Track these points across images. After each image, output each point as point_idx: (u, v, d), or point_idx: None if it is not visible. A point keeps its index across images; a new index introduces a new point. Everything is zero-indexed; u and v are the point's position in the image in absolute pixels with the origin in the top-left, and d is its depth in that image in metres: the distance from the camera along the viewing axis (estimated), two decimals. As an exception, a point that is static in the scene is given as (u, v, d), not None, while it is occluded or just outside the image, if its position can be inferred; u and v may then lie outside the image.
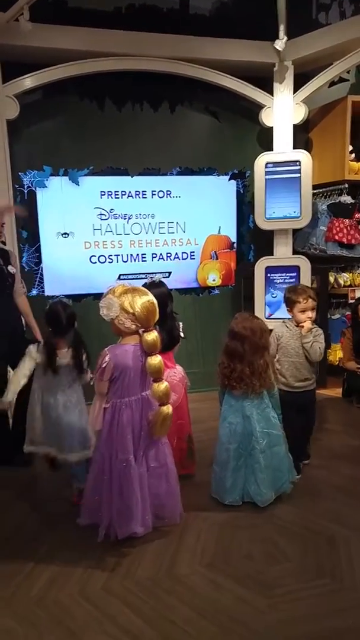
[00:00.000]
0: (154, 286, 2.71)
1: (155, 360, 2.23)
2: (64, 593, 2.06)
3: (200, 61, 4.18)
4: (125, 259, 4.48)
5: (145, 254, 4.53)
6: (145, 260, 4.54)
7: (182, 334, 2.85)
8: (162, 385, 2.25)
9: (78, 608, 1.98)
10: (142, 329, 2.25)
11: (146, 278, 4.36)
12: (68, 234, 4.26)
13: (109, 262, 4.44)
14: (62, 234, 4.24)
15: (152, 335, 2.23)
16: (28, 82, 3.90)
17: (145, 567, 2.20)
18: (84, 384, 2.67)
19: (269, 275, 4.50)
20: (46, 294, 4.24)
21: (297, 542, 2.36)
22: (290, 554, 2.27)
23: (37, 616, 1.94)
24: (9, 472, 3.16)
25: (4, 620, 1.92)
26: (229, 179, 4.69)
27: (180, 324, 2.86)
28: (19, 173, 4.08)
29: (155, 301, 2.25)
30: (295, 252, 4.62)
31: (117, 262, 4.46)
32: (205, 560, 2.23)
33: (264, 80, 4.40)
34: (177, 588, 2.06)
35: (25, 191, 4.12)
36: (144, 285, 2.52)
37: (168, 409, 2.27)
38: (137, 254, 4.51)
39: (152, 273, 4.46)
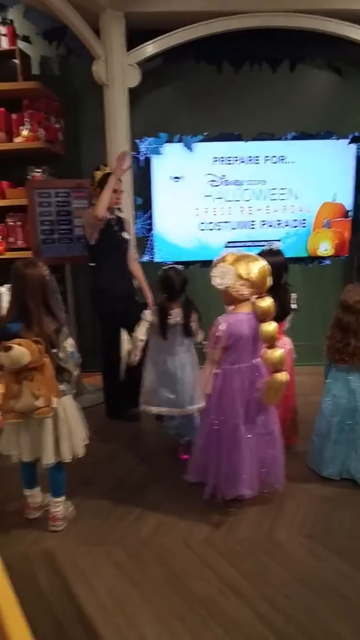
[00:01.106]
0: (272, 254, 2.69)
1: (270, 326, 2.22)
2: (169, 539, 2.25)
3: (325, 12, 3.88)
4: (234, 227, 4.47)
5: (254, 222, 4.48)
6: (254, 228, 4.49)
7: (294, 306, 2.82)
8: (277, 353, 2.23)
9: (181, 553, 2.16)
10: (256, 296, 2.25)
11: (256, 246, 4.40)
12: (179, 178, 4.29)
13: (218, 230, 4.46)
14: (173, 178, 4.28)
15: (267, 302, 2.22)
16: (150, 49, 3.94)
17: (245, 528, 2.32)
18: (195, 344, 2.80)
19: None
20: (156, 260, 4.39)
21: None
22: None
23: (145, 555, 2.15)
24: (119, 426, 3.43)
25: (116, 554, 2.16)
26: (349, 143, 4.40)
27: (294, 295, 2.83)
28: (136, 140, 4.19)
29: (268, 266, 2.25)
30: None
31: (226, 229, 4.47)
32: (305, 531, 2.29)
33: None
34: (276, 552, 2.15)
35: (142, 158, 4.24)
36: (260, 253, 2.53)
37: (282, 376, 2.24)
38: (247, 221, 4.48)
39: (260, 241, 4.46)
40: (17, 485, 2.44)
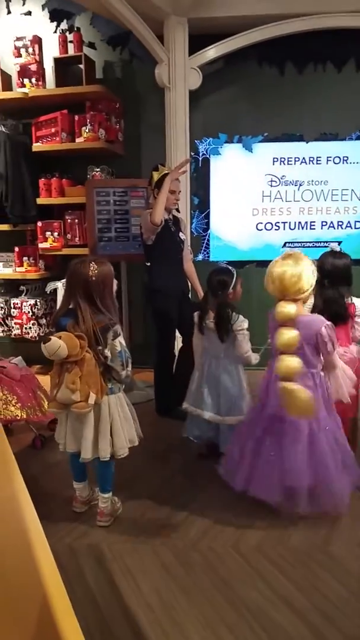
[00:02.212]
0: (337, 256, 2.57)
1: (290, 334, 2.13)
2: (217, 543, 2.17)
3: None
4: (292, 227, 4.37)
5: (314, 222, 4.36)
6: (314, 228, 4.36)
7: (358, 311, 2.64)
8: (284, 362, 2.13)
9: (230, 559, 2.07)
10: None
11: (315, 247, 4.27)
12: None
13: (276, 229, 4.37)
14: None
15: (289, 307, 2.15)
16: (211, 52, 3.95)
17: (298, 537, 2.20)
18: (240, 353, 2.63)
19: None
20: (211, 259, 4.35)
21: None
22: None
23: (192, 558, 2.09)
24: (169, 424, 3.37)
25: (163, 554, 2.10)
26: None
27: (358, 300, 2.65)
28: (195, 141, 4.19)
29: (291, 270, 2.13)
30: None
31: (284, 229, 4.36)
32: (364, 545, 2.15)
33: None
34: (331, 564, 2.03)
35: (200, 158, 4.23)
36: (323, 255, 2.42)
37: (289, 385, 2.11)
38: (306, 222, 4.35)
39: (319, 242, 4.32)
40: (67, 477, 2.45)
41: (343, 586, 1.91)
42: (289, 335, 2.11)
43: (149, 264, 3.39)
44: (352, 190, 4.28)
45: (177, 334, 3.51)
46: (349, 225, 4.34)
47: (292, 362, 2.11)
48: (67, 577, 1.95)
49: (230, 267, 2.71)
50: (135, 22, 3.54)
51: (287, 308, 2.12)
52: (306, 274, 2.12)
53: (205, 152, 4.23)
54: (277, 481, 2.21)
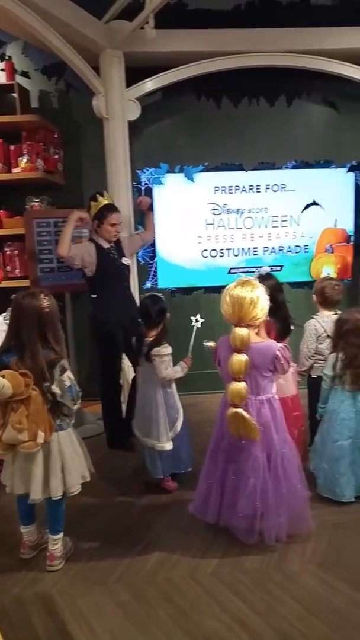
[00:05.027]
0: (264, 279, 2.67)
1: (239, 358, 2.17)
2: (175, 574, 2.12)
3: (321, 52, 4.04)
4: (236, 253, 4.48)
5: (257, 248, 4.50)
6: (256, 254, 4.50)
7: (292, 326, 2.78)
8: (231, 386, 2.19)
9: (188, 588, 2.03)
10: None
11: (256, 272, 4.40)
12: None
13: (221, 256, 4.47)
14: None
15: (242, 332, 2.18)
16: (149, 85, 4.05)
17: (254, 559, 2.19)
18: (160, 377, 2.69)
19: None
20: (159, 286, 4.39)
21: None
22: None
23: (149, 592, 2.02)
24: (121, 456, 3.27)
25: (119, 593, 2.02)
26: (347, 171, 4.47)
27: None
28: (137, 170, 4.26)
29: (237, 295, 2.19)
30: None
31: (229, 255, 4.48)
32: (316, 560, 2.16)
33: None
34: (287, 583, 2.03)
35: (142, 188, 4.30)
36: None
37: (230, 411, 2.17)
38: (249, 248, 4.49)
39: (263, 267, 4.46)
40: (14, 522, 2.33)
41: (299, 603, 1.91)
42: (241, 360, 2.14)
43: (93, 295, 3.36)
44: (291, 216, 4.47)
45: (129, 362, 3.48)
46: (289, 250, 4.52)
47: (242, 388, 2.14)
48: (14, 631, 1.83)
49: (159, 294, 2.82)
50: (70, 54, 3.56)
51: (243, 333, 2.14)
52: (262, 302, 2.17)
53: (147, 182, 4.30)
54: (242, 509, 2.20)
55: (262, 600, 1.94)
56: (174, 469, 2.79)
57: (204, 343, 2.63)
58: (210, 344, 2.54)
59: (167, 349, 2.69)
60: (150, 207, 3.59)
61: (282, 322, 2.64)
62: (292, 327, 2.77)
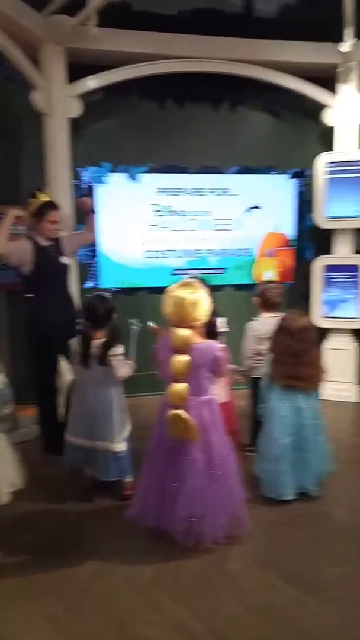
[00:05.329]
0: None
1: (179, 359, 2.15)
2: (112, 582, 2.03)
3: (262, 62, 4.16)
4: (180, 255, 4.47)
5: (200, 250, 4.51)
6: (200, 256, 4.51)
7: (222, 329, 2.78)
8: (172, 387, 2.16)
9: (125, 597, 1.94)
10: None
11: (203, 274, 4.40)
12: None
13: (164, 257, 4.44)
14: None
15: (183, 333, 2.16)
16: (92, 83, 3.98)
17: (195, 562, 2.14)
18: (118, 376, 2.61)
19: (327, 273, 4.35)
20: (101, 286, 4.28)
21: (354, 544, 2.24)
22: (347, 556, 2.16)
23: (84, 603, 1.91)
24: (57, 461, 3.11)
25: (52, 607, 1.90)
26: (289, 178, 4.59)
27: (222, 319, 2.79)
28: (78, 169, 4.16)
29: (181, 297, 2.16)
30: (357, 251, 4.44)
31: (172, 257, 4.45)
32: (258, 558, 2.15)
33: (326, 80, 4.31)
34: (228, 584, 1.99)
35: (84, 187, 4.20)
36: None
37: (170, 413, 2.14)
38: (192, 250, 4.49)
39: (209, 269, 4.47)
40: None
41: (239, 603, 1.87)
42: (183, 361, 2.11)
43: (29, 295, 3.21)
44: (234, 220, 4.51)
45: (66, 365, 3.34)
46: (232, 253, 4.56)
47: (183, 389, 2.11)
48: None
49: (106, 294, 2.71)
50: (7, 45, 3.44)
51: (185, 334, 2.12)
52: (204, 303, 2.16)
53: (89, 181, 4.20)
54: (182, 511, 2.15)
55: (202, 603, 1.88)
56: (128, 472, 2.65)
57: (148, 323, 2.62)
58: (153, 324, 2.58)
59: (120, 348, 2.60)
60: (92, 209, 3.50)
61: (207, 326, 2.62)
62: (218, 332, 2.74)
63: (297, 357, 2.58)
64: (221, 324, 2.77)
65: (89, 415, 2.61)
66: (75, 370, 2.72)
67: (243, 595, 1.92)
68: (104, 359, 2.54)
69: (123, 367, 2.57)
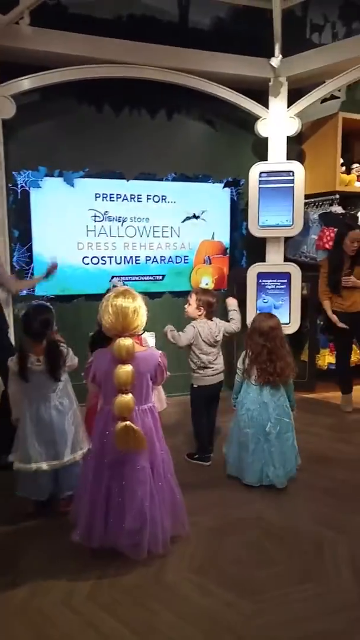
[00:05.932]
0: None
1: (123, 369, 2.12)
2: (47, 602, 1.99)
3: (198, 73, 4.23)
4: (118, 261, 4.45)
5: (139, 257, 4.51)
6: (138, 263, 4.52)
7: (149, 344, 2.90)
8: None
9: (60, 616, 1.91)
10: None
11: (141, 280, 4.42)
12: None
13: (102, 264, 4.40)
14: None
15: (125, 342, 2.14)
16: (26, 83, 3.87)
17: (131, 576, 2.14)
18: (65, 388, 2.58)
19: (260, 280, 4.51)
20: (37, 293, 4.17)
21: (284, 545, 2.34)
22: (278, 558, 2.25)
23: (16, 625, 1.86)
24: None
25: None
26: (224, 187, 4.70)
27: (149, 334, 2.94)
28: (13, 172, 4.03)
29: (122, 305, 2.14)
30: (286, 259, 4.64)
31: (111, 263, 4.43)
32: (194, 566, 2.19)
33: (260, 92, 4.47)
34: (164, 595, 2.01)
35: (19, 190, 4.08)
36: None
37: (118, 425, 2.10)
38: (131, 257, 4.49)
39: (147, 276, 4.49)
40: None
41: (175, 614, 1.90)
42: (127, 371, 2.08)
43: None
44: (172, 227, 4.56)
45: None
46: (170, 259, 4.60)
47: (129, 400, 2.09)
48: None
49: (46, 303, 2.63)
50: None
51: (128, 343, 2.08)
52: (142, 311, 2.14)
53: (24, 184, 4.09)
54: (130, 524, 2.13)
55: (138, 616, 1.90)
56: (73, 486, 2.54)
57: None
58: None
59: (75, 358, 2.60)
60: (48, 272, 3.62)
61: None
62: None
63: (270, 354, 2.79)
64: (149, 338, 2.86)
65: (49, 432, 2.50)
66: (16, 388, 2.57)
67: (179, 606, 1.94)
68: (52, 372, 2.47)
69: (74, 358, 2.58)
